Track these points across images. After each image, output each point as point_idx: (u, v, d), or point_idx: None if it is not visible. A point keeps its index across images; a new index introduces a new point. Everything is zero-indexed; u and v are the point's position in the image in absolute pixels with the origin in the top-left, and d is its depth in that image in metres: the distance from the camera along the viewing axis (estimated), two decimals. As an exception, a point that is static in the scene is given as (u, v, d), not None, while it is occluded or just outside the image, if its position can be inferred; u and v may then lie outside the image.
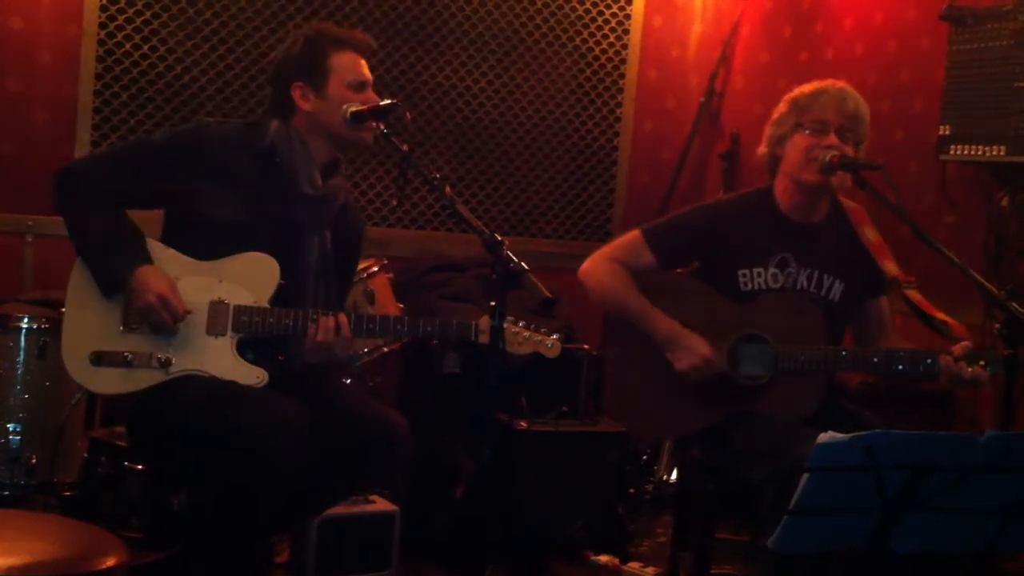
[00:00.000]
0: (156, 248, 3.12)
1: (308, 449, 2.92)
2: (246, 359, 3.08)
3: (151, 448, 3.25)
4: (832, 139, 3.19)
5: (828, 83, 3.27)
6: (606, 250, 3.43)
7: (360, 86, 3.16)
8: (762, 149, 3.35)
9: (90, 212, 3.10)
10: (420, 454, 3.24)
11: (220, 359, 3.06)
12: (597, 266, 3.39)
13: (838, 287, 3.31)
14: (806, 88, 3.28)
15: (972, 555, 2.75)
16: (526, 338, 3.09)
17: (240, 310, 3.08)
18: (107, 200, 3.11)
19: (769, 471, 2.96)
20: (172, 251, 3.12)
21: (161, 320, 3.01)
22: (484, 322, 3.03)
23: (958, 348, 3.03)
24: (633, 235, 3.41)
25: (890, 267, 3.26)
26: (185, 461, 3.09)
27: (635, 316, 3.31)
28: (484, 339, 3.02)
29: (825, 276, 3.30)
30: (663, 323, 3.27)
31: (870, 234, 3.31)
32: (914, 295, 3.19)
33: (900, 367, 3.08)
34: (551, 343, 3.11)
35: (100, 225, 3.09)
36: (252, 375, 3.06)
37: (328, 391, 3.28)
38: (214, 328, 3.07)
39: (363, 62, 3.21)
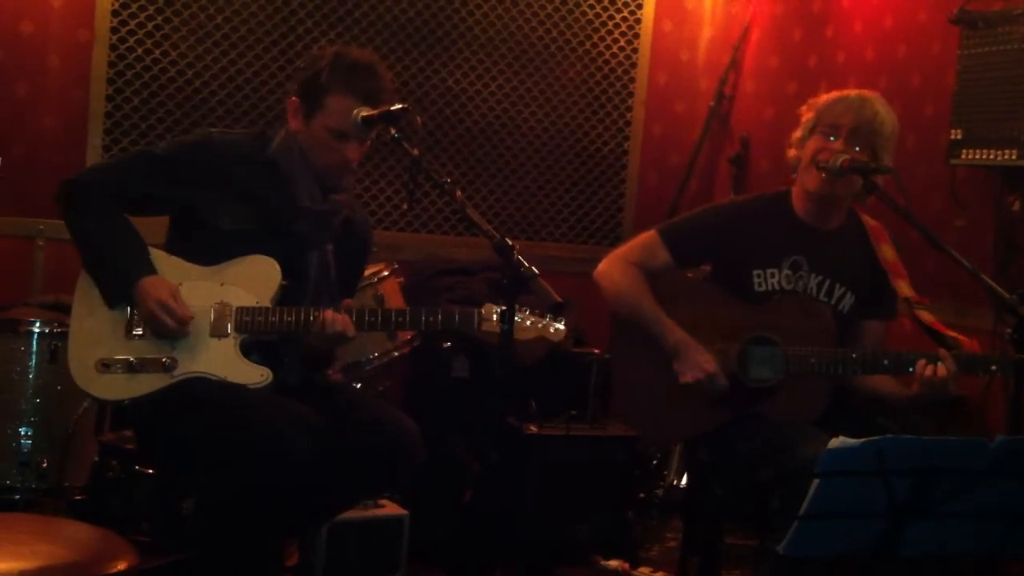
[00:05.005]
0: (159, 256, 3.14)
1: (320, 453, 2.93)
2: (250, 360, 3.09)
3: (160, 452, 3.26)
4: (840, 144, 3.18)
5: (855, 91, 3.27)
6: (622, 251, 3.44)
7: (340, 136, 3.11)
8: (791, 152, 3.35)
9: (94, 225, 3.12)
10: (429, 458, 3.24)
11: (224, 360, 3.07)
12: (613, 267, 3.40)
13: (849, 299, 3.30)
14: (832, 94, 3.28)
15: (980, 559, 2.74)
16: (531, 324, 3.09)
17: (243, 311, 3.09)
18: (111, 210, 3.13)
19: (775, 473, 2.96)
20: (175, 258, 3.15)
21: (165, 326, 3.03)
22: (487, 309, 3.03)
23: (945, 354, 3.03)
24: (649, 235, 3.42)
25: (904, 287, 3.25)
26: (197, 463, 3.11)
27: (647, 321, 3.31)
28: (488, 327, 3.02)
29: (837, 286, 3.29)
30: (672, 333, 3.27)
31: (887, 253, 3.30)
32: (926, 316, 3.18)
33: (912, 370, 3.07)
34: (555, 328, 3.10)
35: (103, 239, 3.11)
36: (256, 374, 3.07)
37: (338, 396, 3.29)
38: (217, 330, 3.09)
39: (357, 111, 3.09)
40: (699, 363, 3.22)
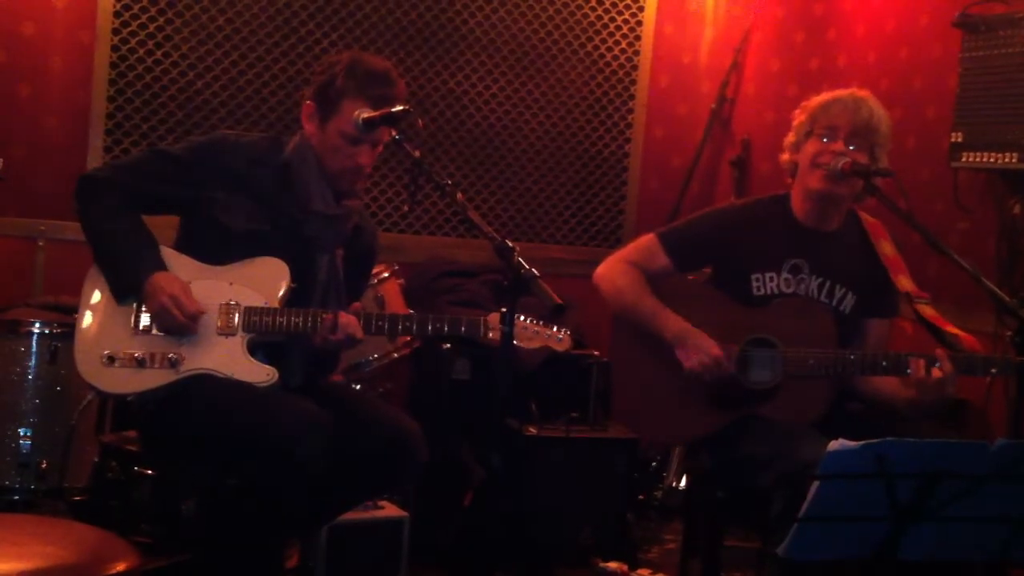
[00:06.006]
0: (169, 255, 3.17)
1: (327, 454, 2.93)
2: (256, 360, 3.10)
3: (165, 449, 3.26)
4: (839, 145, 3.19)
5: (847, 91, 3.28)
6: (622, 253, 3.46)
7: (353, 140, 3.13)
8: (784, 156, 3.35)
9: (107, 220, 3.14)
10: (430, 461, 3.24)
11: (231, 358, 3.09)
12: (612, 268, 3.41)
13: (850, 300, 3.30)
14: (824, 96, 3.28)
15: (984, 564, 2.74)
16: (536, 333, 3.09)
17: (251, 310, 3.10)
18: (125, 207, 3.16)
19: (775, 476, 2.96)
20: (185, 257, 3.17)
21: (174, 320, 3.04)
22: (493, 318, 3.05)
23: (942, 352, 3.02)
24: (649, 238, 3.43)
25: (904, 282, 3.25)
26: (204, 461, 3.11)
27: (646, 315, 3.32)
28: (493, 335, 3.03)
29: (837, 287, 3.29)
30: (674, 322, 3.27)
31: (887, 249, 3.31)
32: (926, 310, 3.18)
33: (910, 372, 3.07)
34: (561, 336, 3.11)
35: (116, 234, 3.13)
36: (262, 373, 3.08)
37: (340, 396, 3.29)
38: (225, 328, 3.11)
39: (359, 113, 3.11)
40: (703, 347, 3.22)
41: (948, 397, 3.04)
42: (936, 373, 2.99)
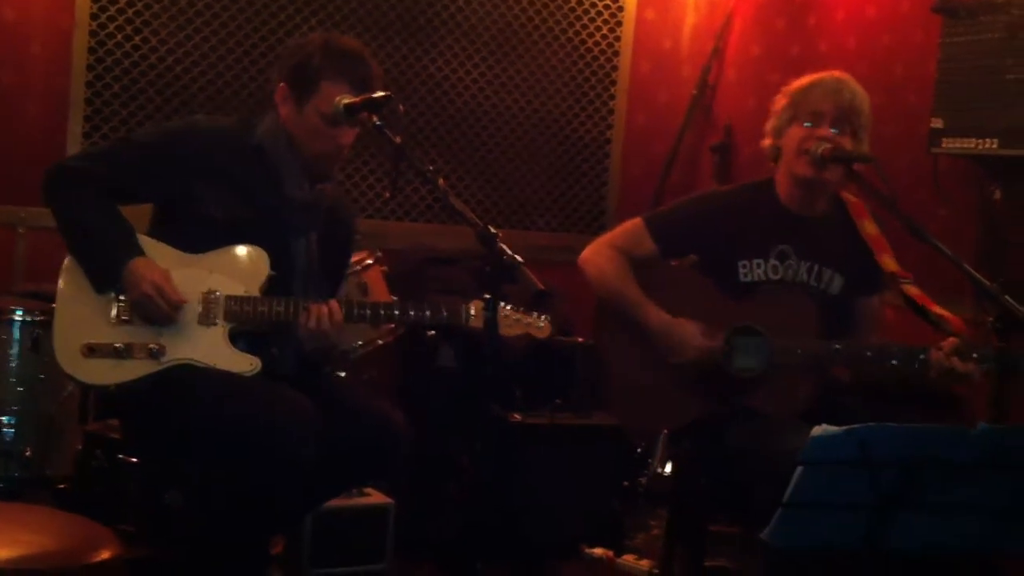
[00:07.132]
0: (145, 242, 3.12)
1: (318, 448, 2.92)
2: (238, 349, 3.08)
3: (151, 441, 3.24)
4: (826, 130, 3.19)
5: (826, 74, 3.28)
6: (607, 237, 3.45)
7: (333, 121, 3.10)
8: (766, 141, 3.35)
9: (80, 210, 3.09)
10: (415, 448, 3.24)
11: (212, 348, 3.07)
12: (597, 253, 3.41)
13: (837, 281, 3.31)
14: (804, 80, 3.28)
15: (976, 556, 2.74)
16: (516, 320, 3.09)
17: (231, 299, 3.08)
18: (97, 197, 3.10)
19: (762, 467, 2.96)
20: (162, 245, 3.13)
21: (158, 310, 3.01)
22: (476, 305, 3.04)
23: (948, 343, 3.03)
24: (635, 223, 3.42)
25: (888, 262, 3.26)
26: (192, 453, 3.09)
27: (629, 305, 3.32)
28: (475, 323, 3.03)
29: (824, 269, 3.30)
30: (655, 316, 3.27)
31: (869, 228, 3.32)
32: (911, 290, 3.19)
33: (894, 362, 3.08)
34: (541, 323, 3.11)
35: (90, 223, 3.08)
36: (245, 362, 3.06)
37: (323, 384, 3.28)
38: (206, 318, 3.08)
39: (340, 98, 3.10)
40: (686, 340, 3.22)
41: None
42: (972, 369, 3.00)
